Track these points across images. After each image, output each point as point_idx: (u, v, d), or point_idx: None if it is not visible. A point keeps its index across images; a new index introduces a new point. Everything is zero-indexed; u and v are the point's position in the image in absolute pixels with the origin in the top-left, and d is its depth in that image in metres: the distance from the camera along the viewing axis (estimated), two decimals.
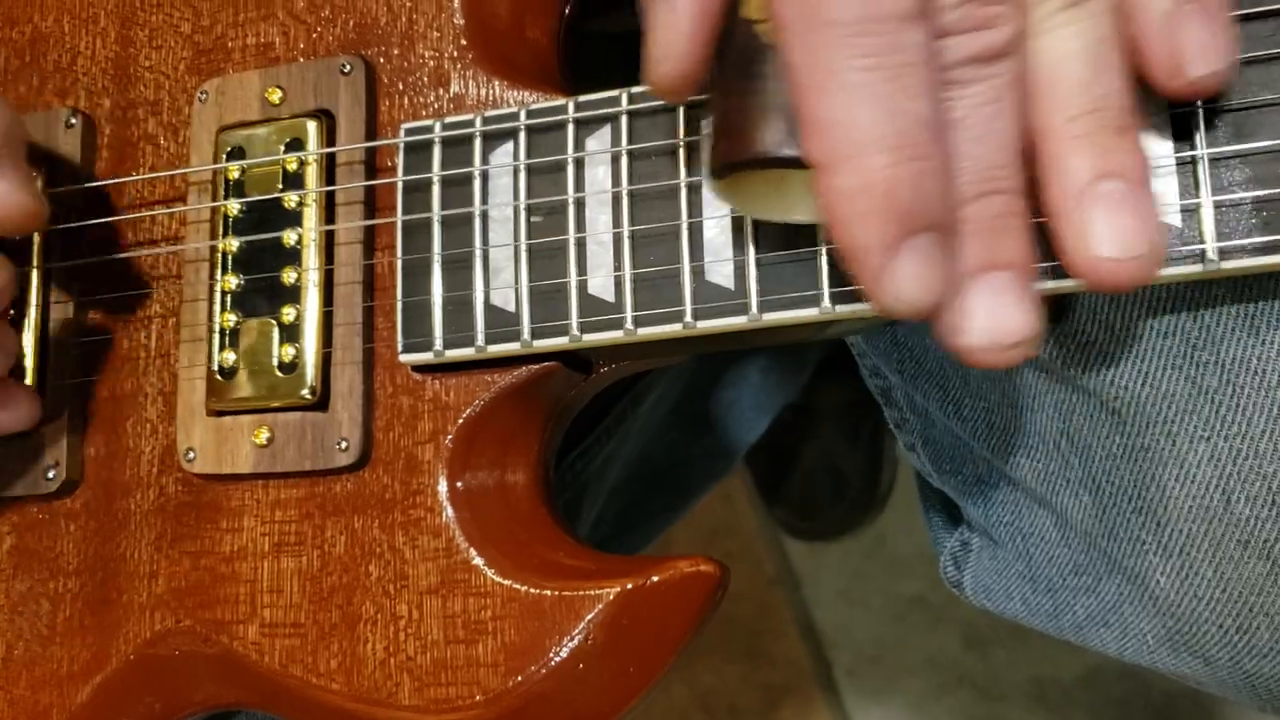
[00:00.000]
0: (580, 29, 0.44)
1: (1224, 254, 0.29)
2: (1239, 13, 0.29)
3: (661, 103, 0.35)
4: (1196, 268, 0.30)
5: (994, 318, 0.27)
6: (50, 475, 0.42)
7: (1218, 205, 0.29)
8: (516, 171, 0.37)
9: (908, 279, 0.26)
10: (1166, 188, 0.30)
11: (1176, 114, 0.30)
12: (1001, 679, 1.21)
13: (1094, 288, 0.28)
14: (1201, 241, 0.29)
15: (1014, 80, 0.27)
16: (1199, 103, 0.30)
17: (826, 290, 0.33)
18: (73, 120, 0.44)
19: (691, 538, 1.30)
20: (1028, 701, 1.20)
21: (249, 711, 0.48)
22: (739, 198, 0.31)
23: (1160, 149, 0.30)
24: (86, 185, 0.43)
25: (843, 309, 0.32)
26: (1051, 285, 0.30)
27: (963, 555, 0.46)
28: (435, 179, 0.38)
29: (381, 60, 0.40)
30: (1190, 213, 0.30)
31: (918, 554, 1.23)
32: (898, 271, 0.26)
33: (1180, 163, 0.30)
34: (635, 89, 0.36)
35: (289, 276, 0.39)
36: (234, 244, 0.40)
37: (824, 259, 0.33)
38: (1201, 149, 0.30)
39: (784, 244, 0.33)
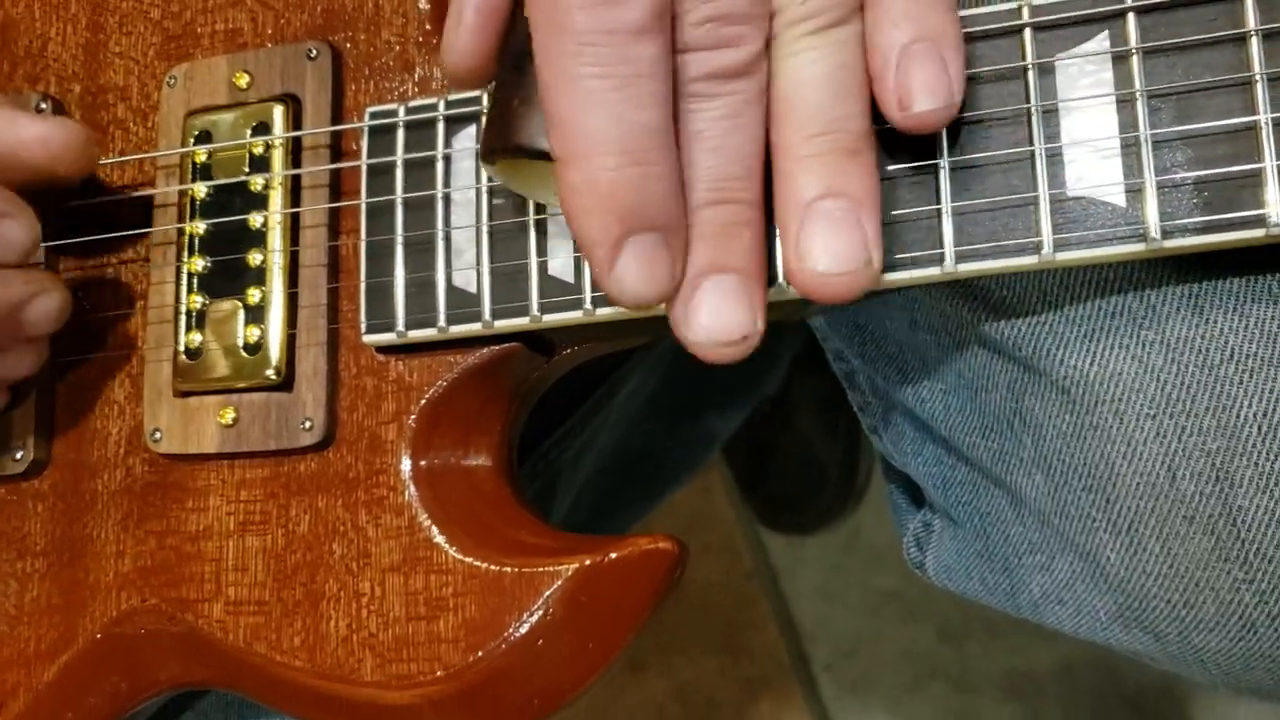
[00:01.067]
0: None
1: (1166, 233, 0.30)
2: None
3: None
4: (1139, 246, 0.30)
5: (716, 316, 0.29)
6: (18, 456, 0.42)
7: (1160, 186, 0.30)
8: (478, 154, 0.37)
9: (629, 273, 0.28)
10: (1111, 169, 0.31)
11: (1121, 97, 0.31)
12: (975, 671, 1.21)
13: (808, 298, 0.30)
14: (1144, 222, 0.30)
15: (753, 98, 0.29)
16: (1140, 87, 0.30)
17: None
18: (43, 105, 0.44)
19: (669, 529, 1.30)
20: (1001, 693, 1.21)
21: (218, 691, 0.48)
22: (512, 180, 0.33)
23: (1105, 130, 0.31)
24: None
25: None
26: (774, 292, 0.32)
27: (925, 536, 0.46)
28: (399, 162, 0.38)
29: (348, 45, 0.41)
30: (1134, 193, 0.30)
31: (893, 548, 1.24)
32: (619, 265, 0.28)
33: (1125, 144, 0.31)
34: None
35: (255, 259, 0.40)
36: (201, 227, 0.40)
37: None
38: (1144, 130, 0.30)
39: None
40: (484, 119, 0.31)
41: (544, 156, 0.29)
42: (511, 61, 0.31)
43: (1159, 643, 0.37)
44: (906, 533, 0.47)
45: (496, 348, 0.38)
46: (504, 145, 0.30)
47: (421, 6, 0.40)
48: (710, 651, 1.28)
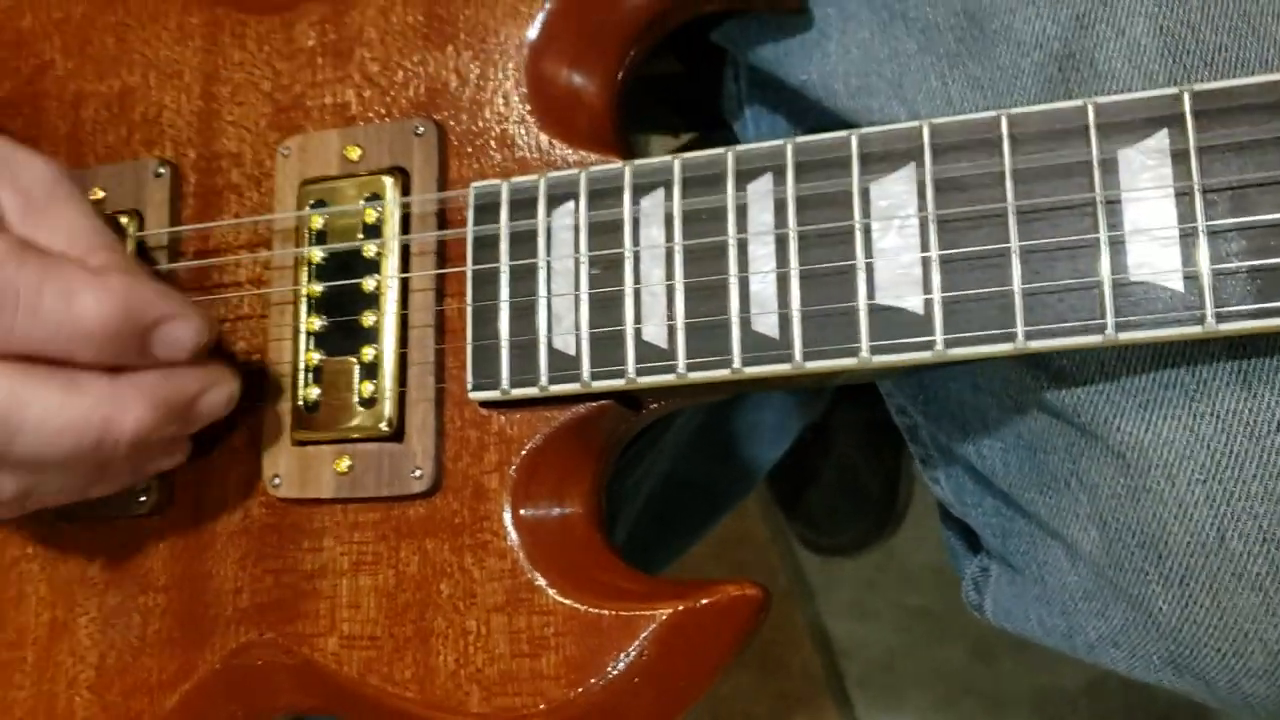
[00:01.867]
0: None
1: (1221, 318, 0.33)
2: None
3: (711, 169, 0.39)
4: (1196, 329, 0.33)
5: None
6: (143, 499, 0.45)
7: (1215, 273, 0.33)
8: (577, 228, 0.40)
9: None
10: (1170, 256, 0.33)
11: (1179, 190, 0.34)
12: (1007, 689, 1.23)
13: None
14: (1201, 306, 0.33)
15: None
16: (1197, 182, 0.33)
17: (865, 342, 0.36)
18: (160, 170, 0.48)
19: (706, 549, 1.33)
20: (1032, 711, 1.23)
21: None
22: None
23: (1165, 220, 0.34)
24: (175, 230, 0.47)
25: (878, 359, 0.36)
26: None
27: (982, 580, 0.49)
28: (502, 233, 0.41)
29: (451, 123, 0.44)
30: (1191, 279, 0.33)
31: (927, 567, 1.26)
32: None
33: (1183, 234, 0.33)
34: (687, 155, 0.40)
35: (368, 319, 0.43)
36: (317, 288, 0.44)
37: (862, 312, 0.36)
38: (1201, 222, 0.33)
39: (825, 298, 0.37)
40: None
41: None
42: None
43: (1209, 687, 0.39)
44: (965, 576, 0.50)
45: (591, 405, 0.41)
46: None
47: (521, 90, 0.43)
48: (746, 667, 1.30)
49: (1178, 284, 0.33)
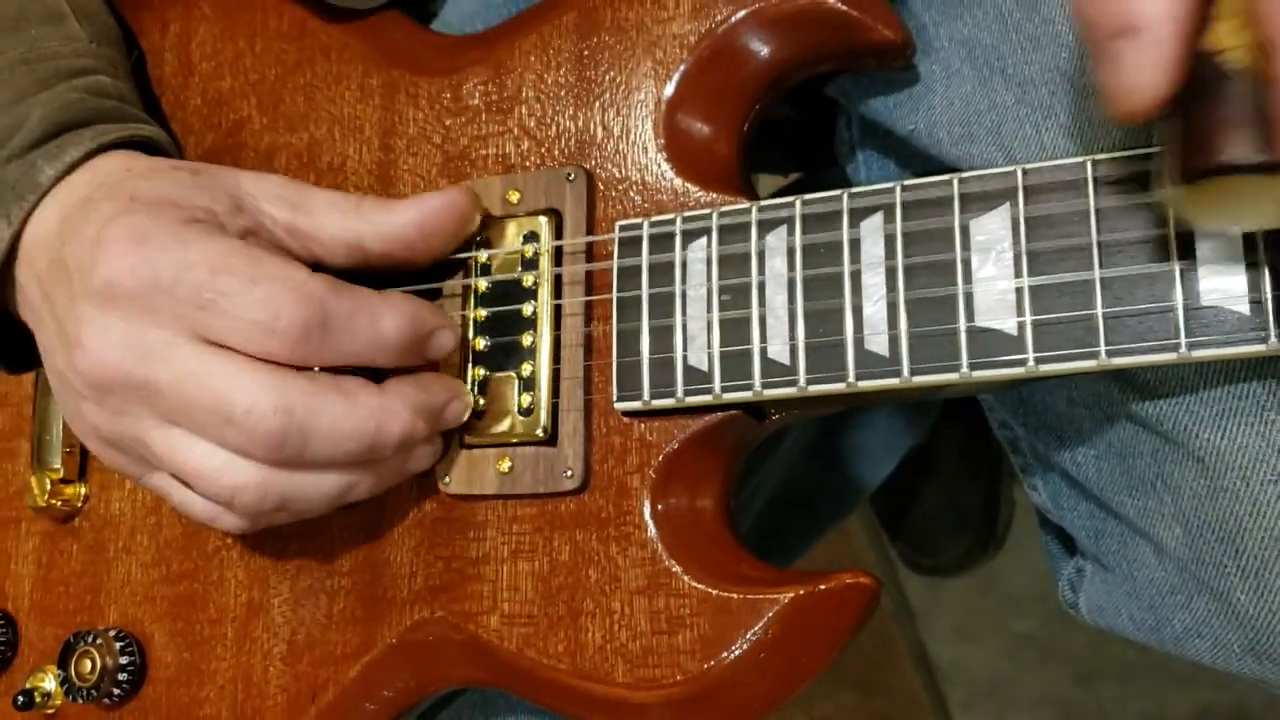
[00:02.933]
0: None
1: None
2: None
3: (830, 207, 0.45)
4: (1260, 347, 0.37)
5: None
6: None
7: (1277, 298, 0.37)
8: (709, 260, 0.47)
9: None
10: (1238, 283, 0.38)
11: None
12: (1110, 715, 1.24)
13: None
14: (1265, 328, 0.37)
15: None
16: None
17: (965, 359, 0.41)
18: None
19: (808, 570, 1.36)
20: None
21: (472, 691, 0.58)
22: (1196, 204, 0.35)
23: (1233, 253, 0.38)
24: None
25: (977, 375, 0.41)
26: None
27: (1077, 580, 0.53)
28: (644, 265, 0.48)
29: (598, 170, 0.51)
30: (1256, 304, 0.38)
31: (1030, 593, 1.28)
32: None
33: (1249, 264, 0.38)
34: (807, 196, 0.45)
35: (526, 340, 0.50)
36: (483, 313, 0.51)
37: (962, 333, 0.41)
38: (1263, 253, 0.38)
39: (929, 320, 0.42)
40: (1170, 150, 0.34)
41: (1264, 170, 0.32)
42: (1199, 92, 0.33)
43: None
44: (1061, 577, 0.54)
45: (721, 414, 0.47)
46: (1216, 165, 0.32)
47: (658, 140, 0.50)
48: (848, 688, 1.33)
49: (1244, 308, 0.38)
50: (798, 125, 0.68)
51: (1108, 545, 0.50)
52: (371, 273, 0.50)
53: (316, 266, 0.48)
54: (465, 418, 0.49)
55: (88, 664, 0.54)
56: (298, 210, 0.48)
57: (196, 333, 0.43)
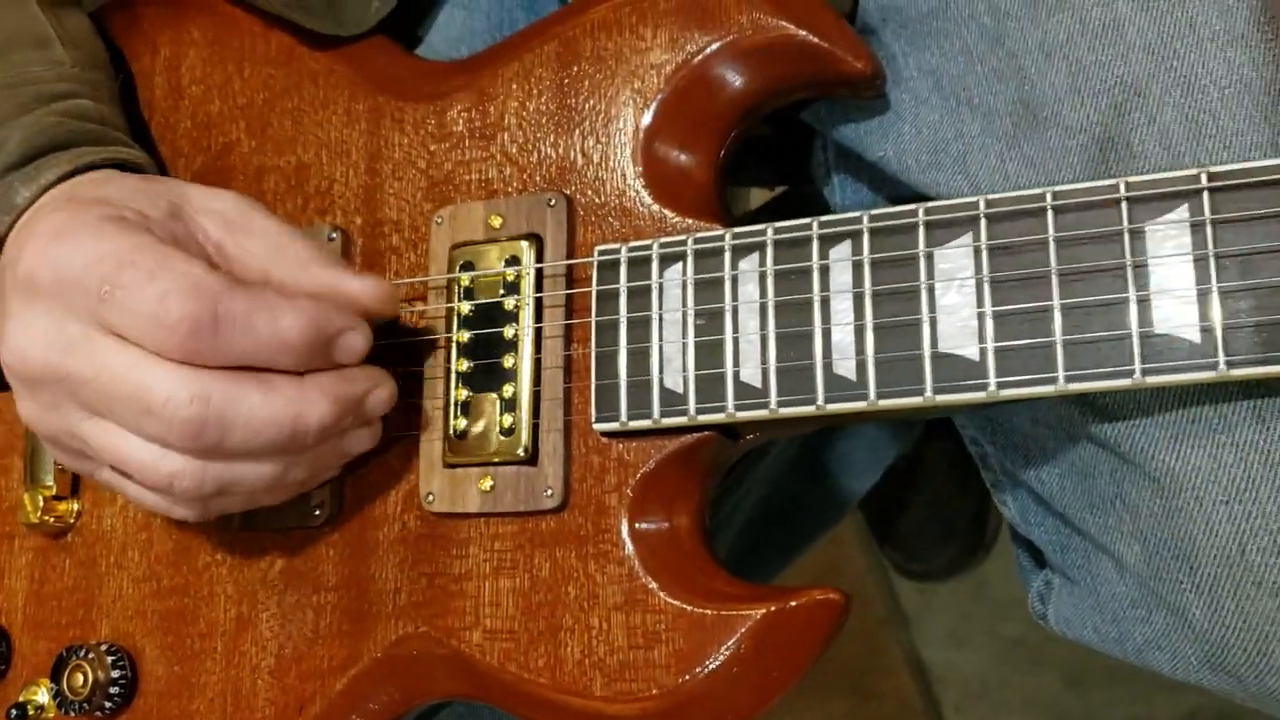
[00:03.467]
0: None
1: (1231, 365, 0.39)
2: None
3: (801, 234, 0.46)
4: (1210, 374, 0.39)
5: None
6: (317, 512, 0.54)
7: (1227, 327, 0.39)
8: (685, 285, 0.48)
9: None
10: (1189, 313, 0.39)
11: (1197, 256, 0.39)
12: (1099, 718, 1.25)
13: None
14: (1215, 355, 0.39)
15: None
16: (1212, 250, 0.39)
17: (929, 384, 0.43)
18: (333, 235, 0.56)
19: (804, 579, 1.37)
20: None
21: (457, 704, 0.59)
22: None
23: (1185, 282, 0.40)
24: None
25: (940, 399, 0.43)
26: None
27: (1046, 592, 0.55)
28: (622, 289, 0.49)
29: (579, 196, 0.52)
30: (1207, 332, 0.39)
31: (1020, 598, 1.28)
32: None
33: (1200, 294, 0.39)
34: (778, 224, 0.47)
35: (508, 361, 0.51)
36: (466, 335, 0.52)
37: (926, 359, 0.43)
38: (1215, 283, 0.39)
39: (895, 346, 0.43)
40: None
41: None
42: None
43: (1240, 684, 0.45)
44: (1031, 589, 0.56)
45: (697, 435, 0.49)
46: None
47: (636, 168, 0.51)
48: (841, 693, 1.34)
49: (1195, 336, 0.39)
50: (777, 145, 0.69)
51: (1072, 560, 0.51)
52: None
53: None
54: (390, 407, 0.50)
55: (80, 678, 0.56)
56: (232, 231, 0.49)
57: (105, 325, 0.44)
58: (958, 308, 0.43)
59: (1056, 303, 0.41)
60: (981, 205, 0.43)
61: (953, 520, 1.22)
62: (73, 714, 0.56)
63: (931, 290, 0.43)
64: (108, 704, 0.56)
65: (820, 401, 0.45)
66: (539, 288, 0.51)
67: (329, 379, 0.47)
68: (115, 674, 0.56)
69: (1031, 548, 0.56)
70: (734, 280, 0.47)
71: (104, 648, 0.56)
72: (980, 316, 0.42)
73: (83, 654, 0.56)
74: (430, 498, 0.52)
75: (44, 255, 0.45)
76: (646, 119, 0.51)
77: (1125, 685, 1.23)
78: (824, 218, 0.46)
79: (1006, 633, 1.29)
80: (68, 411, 0.46)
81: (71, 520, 0.60)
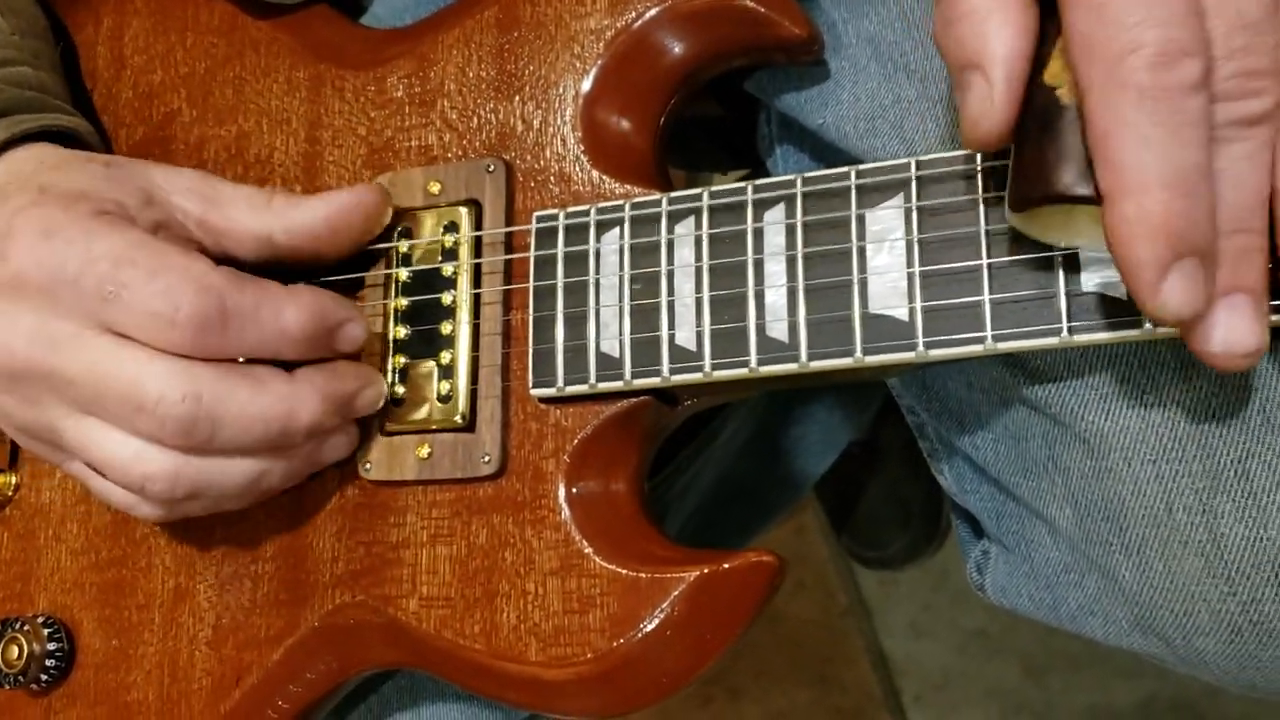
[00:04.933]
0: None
1: (1156, 323, 0.39)
2: None
3: (736, 198, 0.46)
4: (1136, 332, 0.39)
5: (1233, 332, 0.33)
6: None
7: None
8: (622, 250, 0.48)
9: (1175, 293, 0.32)
10: (1113, 270, 0.40)
11: None
12: (1058, 706, 1.26)
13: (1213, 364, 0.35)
14: (1141, 313, 0.39)
15: (1267, 142, 0.33)
16: None
17: (859, 344, 0.43)
18: None
19: None
20: None
21: (400, 676, 0.59)
22: (1033, 225, 0.38)
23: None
24: None
25: (870, 359, 0.43)
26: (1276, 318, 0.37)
27: (984, 562, 0.55)
28: (559, 255, 0.49)
29: (518, 161, 0.52)
30: None
31: None
32: (1167, 287, 0.32)
33: None
34: (713, 188, 0.47)
35: (446, 328, 0.51)
36: (404, 302, 0.52)
37: (856, 320, 0.43)
38: None
39: (826, 307, 0.44)
40: (1010, 176, 0.36)
41: (1084, 200, 0.34)
42: (1034, 124, 0.35)
43: (1169, 647, 0.45)
44: (969, 559, 0.56)
45: (634, 400, 0.48)
46: (1041, 194, 0.35)
47: (576, 133, 0.51)
48: (804, 683, 1.35)
49: (1122, 294, 0.39)
50: (729, 123, 0.69)
51: (1008, 526, 0.51)
52: (290, 266, 0.51)
53: (228, 260, 0.49)
54: (379, 406, 0.50)
55: (14, 650, 0.55)
56: (209, 204, 0.49)
57: (103, 324, 0.44)
58: (888, 269, 0.43)
59: (985, 262, 0.41)
60: (913, 167, 0.43)
61: (909, 505, 1.22)
62: (8, 687, 0.55)
63: (863, 252, 0.43)
64: (44, 676, 0.55)
65: (753, 364, 0.45)
66: (477, 254, 0.51)
67: (321, 376, 0.48)
68: (51, 646, 0.55)
69: (970, 519, 0.56)
70: (670, 244, 0.47)
71: (40, 620, 0.56)
72: (910, 277, 0.42)
73: (18, 626, 0.55)
74: (367, 466, 0.51)
75: (34, 255, 0.45)
76: (586, 85, 0.51)
77: (1084, 673, 1.24)
78: (758, 181, 0.46)
79: (967, 624, 1.30)
80: (48, 407, 0.46)
81: (10, 494, 0.59)
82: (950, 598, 1.31)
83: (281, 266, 0.51)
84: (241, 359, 0.46)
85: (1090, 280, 0.40)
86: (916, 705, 1.33)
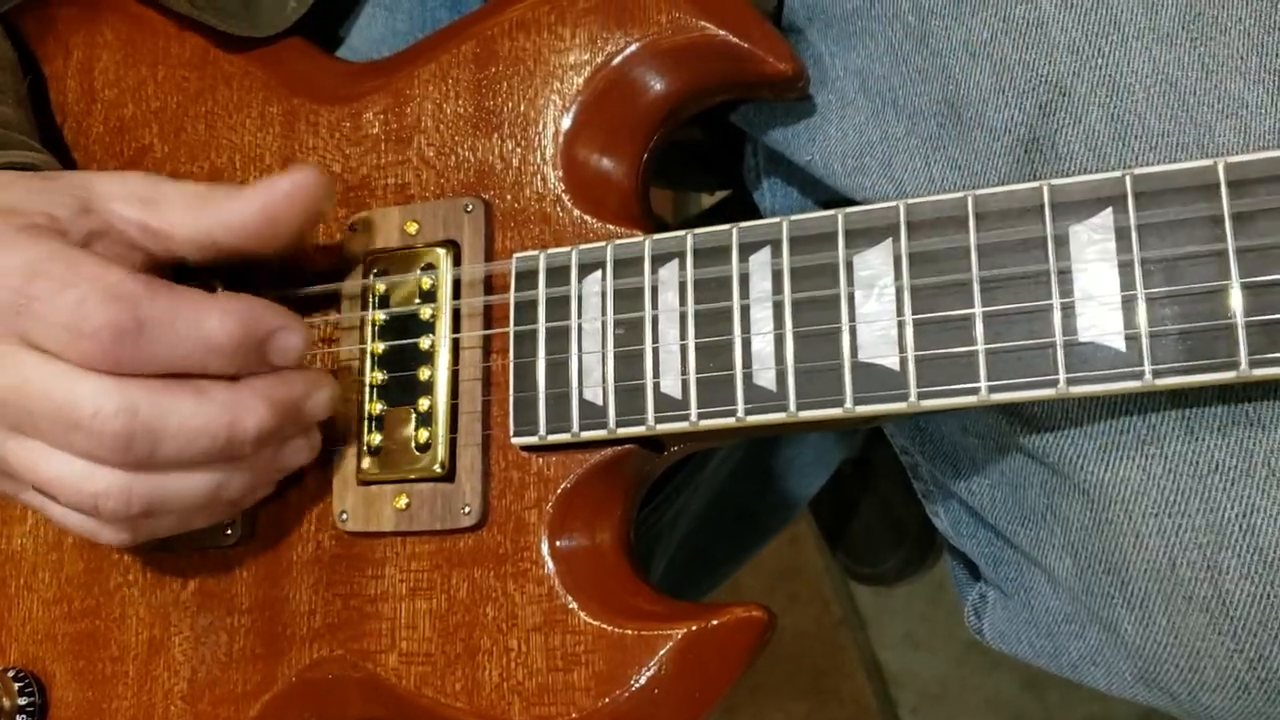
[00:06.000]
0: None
1: (1157, 374, 0.37)
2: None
3: (721, 241, 0.44)
4: (1136, 384, 0.38)
5: None
6: (229, 532, 0.52)
7: (1152, 335, 0.38)
8: (604, 294, 0.46)
9: None
10: (1114, 320, 0.38)
11: (1122, 262, 0.38)
12: (1057, 719, 1.25)
13: None
14: (1140, 364, 0.38)
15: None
16: (1137, 255, 0.38)
17: (849, 394, 0.41)
18: None
19: (760, 580, 1.37)
20: None
21: None
22: None
23: (1109, 288, 0.38)
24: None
25: (861, 409, 0.41)
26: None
27: (981, 605, 0.54)
28: (540, 298, 0.47)
29: (497, 201, 0.50)
30: (1132, 340, 0.38)
31: None
32: None
33: (1125, 300, 0.38)
34: (698, 231, 0.45)
35: (424, 374, 0.49)
36: (380, 346, 0.50)
37: (846, 369, 0.41)
38: (1140, 289, 0.38)
39: (815, 356, 0.42)
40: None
41: None
42: None
43: (1175, 701, 0.44)
44: (967, 603, 0.55)
45: (618, 448, 0.47)
46: None
47: (556, 172, 0.49)
48: (800, 696, 1.34)
49: (1120, 344, 0.38)
50: (711, 148, 0.68)
51: (1006, 573, 0.50)
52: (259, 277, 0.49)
53: (179, 266, 0.48)
54: (330, 409, 0.48)
55: None
56: (148, 208, 0.47)
57: (25, 340, 0.43)
58: (878, 316, 0.41)
59: (979, 310, 0.40)
60: (902, 211, 0.41)
61: (903, 523, 1.21)
62: None
63: (851, 298, 0.42)
64: None
65: (740, 413, 0.43)
66: (456, 296, 0.50)
67: (265, 382, 0.45)
68: (22, 701, 0.54)
69: (966, 560, 0.55)
70: (654, 289, 0.45)
71: (11, 673, 0.54)
72: (900, 325, 0.41)
73: None
74: (344, 516, 0.50)
75: None
76: (566, 122, 0.50)
77: (1083, 687, 1.23)
78: (744, 224, 0.44)
79: (964, 635, 1.28)
80: None
81: None
82: (946, 609, 1.30)
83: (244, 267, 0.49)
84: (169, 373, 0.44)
85: (1088, 330, 0.39)
86: (913, 717, 1.32)
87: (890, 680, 1.33)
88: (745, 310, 0.44)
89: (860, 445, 1.15)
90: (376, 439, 0.50)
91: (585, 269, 0.47)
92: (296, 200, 0.47)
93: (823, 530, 1.30)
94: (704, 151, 0.71)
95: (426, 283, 0.50)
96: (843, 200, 0.49)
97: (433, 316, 0.49)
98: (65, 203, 0.46)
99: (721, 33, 0.47)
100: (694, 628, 0.44)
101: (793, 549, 1.35)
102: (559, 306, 0.47)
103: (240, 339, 0.44)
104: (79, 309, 0.42)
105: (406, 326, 0.50)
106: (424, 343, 0.49)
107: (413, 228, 0.51)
